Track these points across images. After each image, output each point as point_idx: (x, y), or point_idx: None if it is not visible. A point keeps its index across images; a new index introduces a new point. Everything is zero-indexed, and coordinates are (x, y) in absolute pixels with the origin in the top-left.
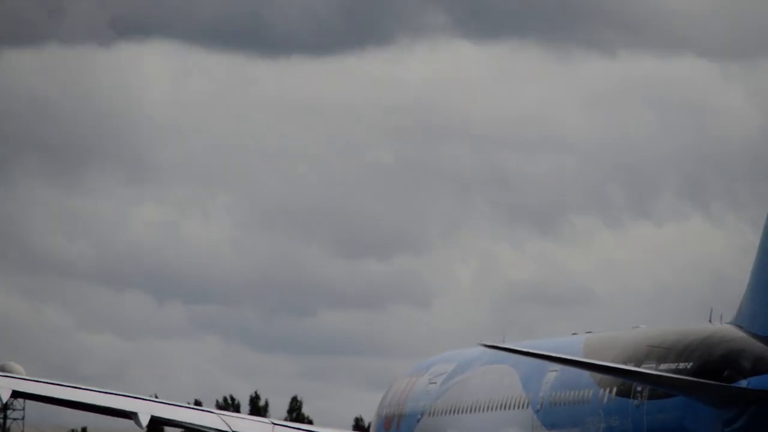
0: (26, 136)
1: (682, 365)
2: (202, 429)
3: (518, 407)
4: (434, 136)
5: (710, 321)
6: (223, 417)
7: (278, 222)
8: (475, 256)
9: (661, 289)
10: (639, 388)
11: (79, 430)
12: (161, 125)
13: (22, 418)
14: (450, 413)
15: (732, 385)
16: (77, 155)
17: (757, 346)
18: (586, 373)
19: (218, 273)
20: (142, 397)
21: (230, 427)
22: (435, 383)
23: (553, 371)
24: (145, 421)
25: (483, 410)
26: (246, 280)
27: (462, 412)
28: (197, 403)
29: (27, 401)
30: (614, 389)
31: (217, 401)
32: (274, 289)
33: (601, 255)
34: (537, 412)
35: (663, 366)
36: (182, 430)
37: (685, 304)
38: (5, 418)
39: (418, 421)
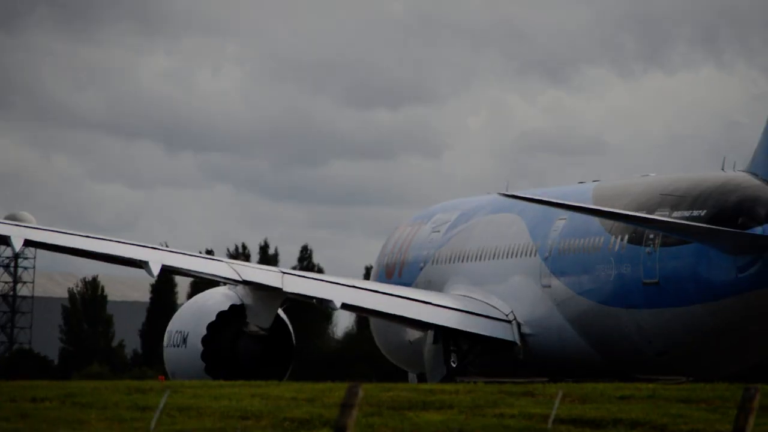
0: None
1: (696, 213)
2: (213, 278)
3: (526, 255)
4: None
5: (723, 169)
6: (234, 266)
7: (288, 72)
8: (485, 106)
9: (672, 138)
10: (651, 236)
11: (90, 278)
12: None
13: (33, 267)
14: (454, 261)
15: (747, 231)
16: (88, 6)
17: None
18: (595, 221)
19: (228, 123)
20: (153, 246)
21: (241, 276)
22: (438, 231)
23: (562, 219)
24: (156, 269)
25: (488, 258)
26: (256, 130)
27: (466, 260)
28: (209, 252)
29: (38, 250)
30: (625, 237)
31: (228, 250)
32: (285, 139)
33: (612, 104)
34: (545, 259)
35: (676, 214)
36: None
37: (696, 152)
38: (16, 266)
39: (421, 269)
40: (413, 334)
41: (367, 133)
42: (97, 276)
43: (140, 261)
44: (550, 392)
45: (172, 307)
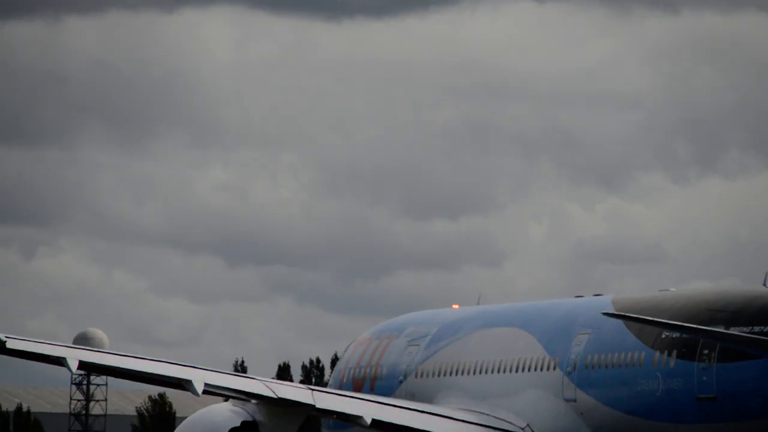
0: (91, 101)
1: (757, 328)
2: (249, 396)
3: (541, 368)
4: (498, 96)
5: (764, 284)
6: (268, 384)
7: (345, 183)
8: (544, 215)
9: (732, 246)
10: (705, 351)
11: (157, 396)
12: (225, 89)
13: (105, 384)
14: (444, 375)
15: None
16: (142, 120)
17: None
18: (630, 334)
19: (288, 236)
20: (193, 365)
21: (275, 393)
22: (417, 345)
23: (584, 333)
24: (200, 388)
25: (491, 372)
26: (316, 242)
27: (462, 373)
28: (286, 366)
29: None
30: (674, 351)
31: (303, 364)
32: (345, 251)
33: (669, 212)
34: (569, 374)
35: (734, 329)
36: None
37: (760, 262)
38: (89, 384)
39: (401, 382)
40: None
41: (427, 243)
42: (165, 393)
43: (184, 380)
44: None
45: None
